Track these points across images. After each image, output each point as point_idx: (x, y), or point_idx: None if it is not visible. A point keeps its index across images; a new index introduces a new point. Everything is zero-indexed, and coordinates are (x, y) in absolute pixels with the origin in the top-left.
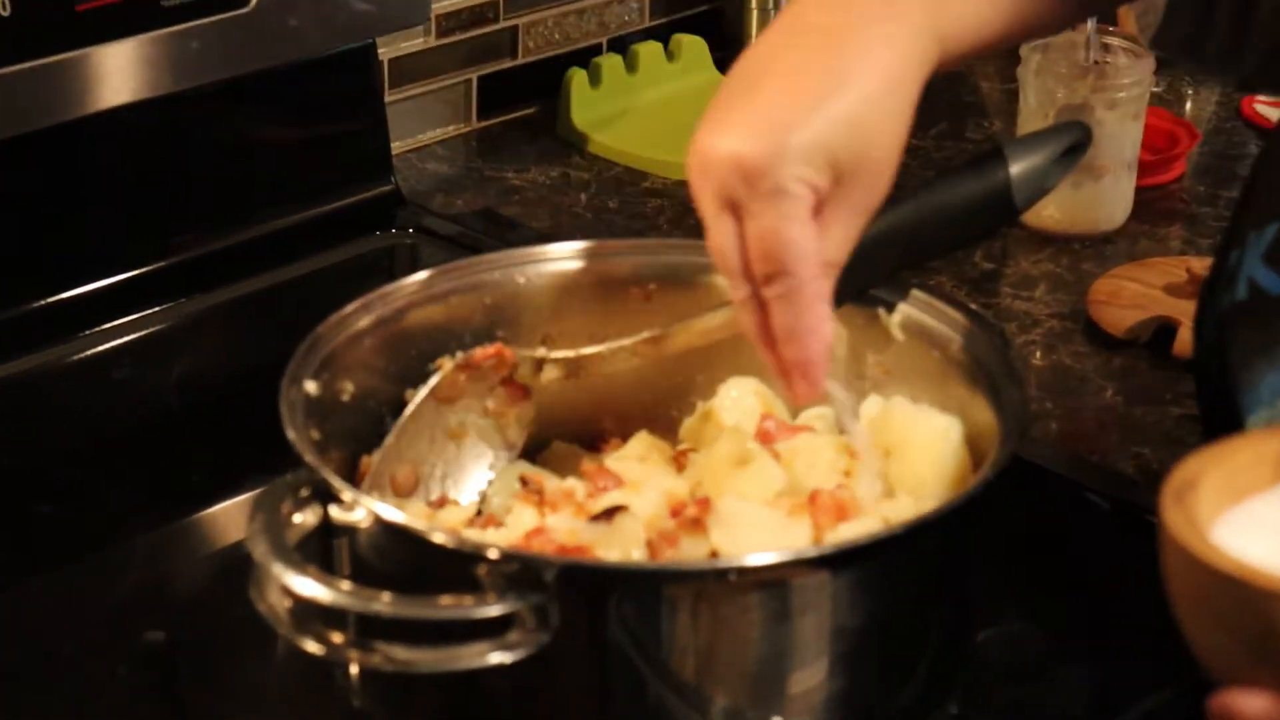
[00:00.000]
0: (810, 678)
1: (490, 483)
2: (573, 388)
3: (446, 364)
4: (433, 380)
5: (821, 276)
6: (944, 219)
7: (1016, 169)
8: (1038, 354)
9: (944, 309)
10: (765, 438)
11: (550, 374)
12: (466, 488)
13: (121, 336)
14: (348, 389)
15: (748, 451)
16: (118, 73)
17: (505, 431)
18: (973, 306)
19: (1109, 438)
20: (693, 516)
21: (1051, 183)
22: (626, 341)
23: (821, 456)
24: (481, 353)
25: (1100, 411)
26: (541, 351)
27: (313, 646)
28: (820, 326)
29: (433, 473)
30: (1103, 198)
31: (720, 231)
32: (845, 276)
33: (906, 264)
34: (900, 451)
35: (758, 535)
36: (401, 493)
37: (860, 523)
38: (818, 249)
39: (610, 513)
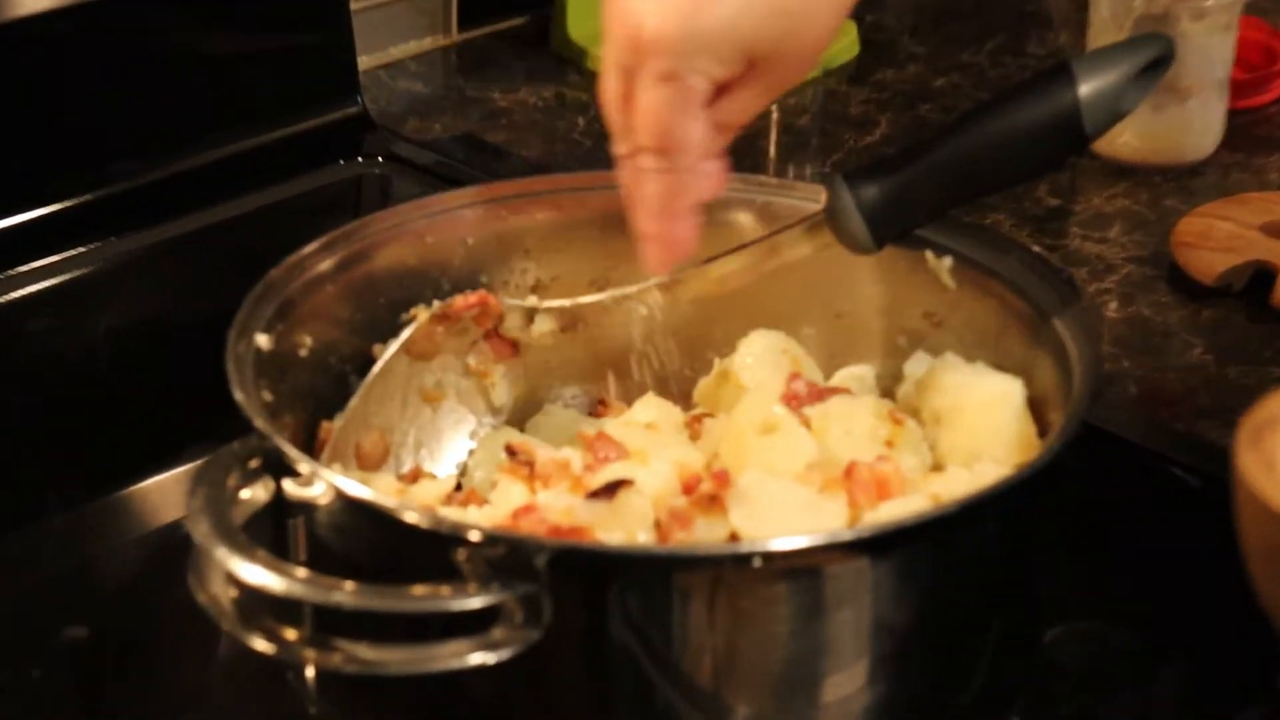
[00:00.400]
0: (847, 683)
1: (471, 453)
2: (569, 342)
3: (421, 314)
4: (405, 333)
5: (702, 165)
6: (1002, 148)
7: (1087, 89)
8: (1113, 304)
9: (1002, 252)
10: (794, 401)
11: (543, 326)
12: (444, 459)
13: (39, 281)
14: (305, 343)
15: (773, 417)
16: None
17: (489, 394)
18: (1036, 249)
19: (1197, 402)
20: (709, 493)
21: (1128, 105)
22: (631, 289)
23: (859, 423)
24: (462, 301)
25: (1187, 371)
26: (532, 300)
27: (262, 644)
28: (689, 211)
29: (405, 441)
30: (1189, 122)
31: (611, 88)
32: (888, 215)
33: (958, 200)
34: (951, 417)
35: (785, 515)
36: (368, 464)
37: (905, 501)
38: (704, 138)
39: (612, 488)
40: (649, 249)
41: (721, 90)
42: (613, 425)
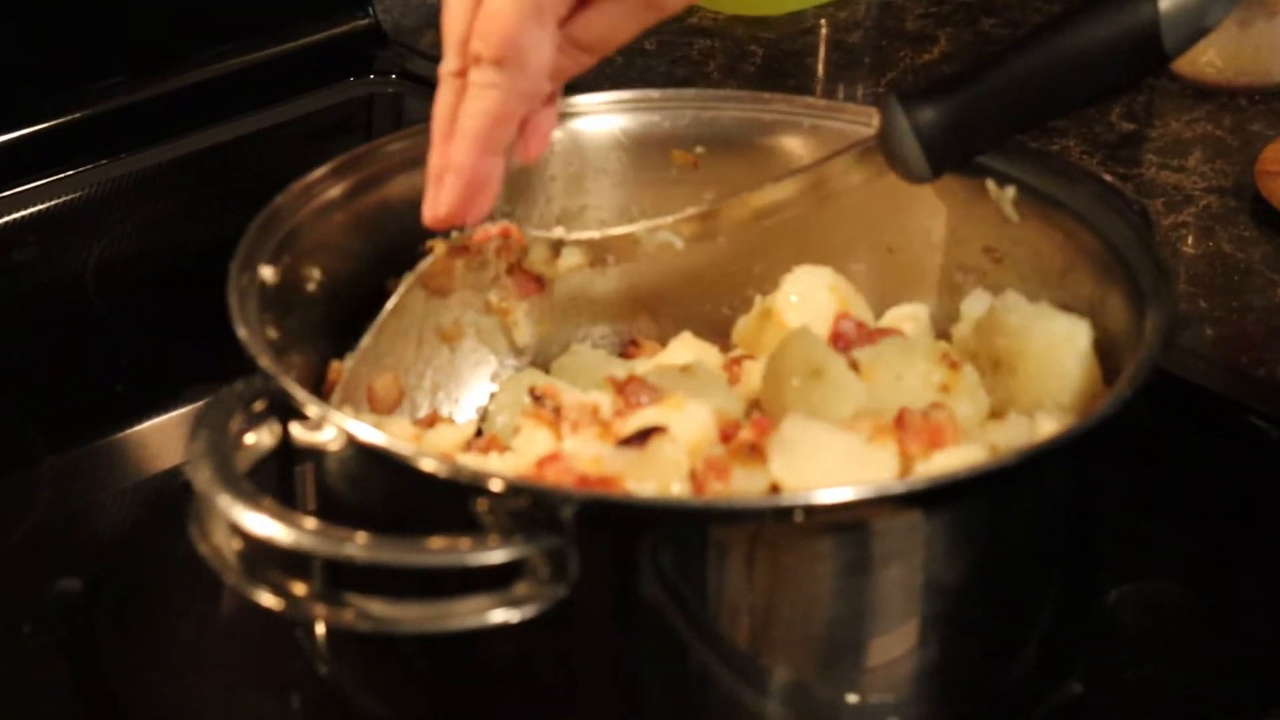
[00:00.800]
0: (894, 646)
1: (493, 397)
2: (598, 277)
3: (439, 246)
4: (421, 266)
5: (539, 92)
6: (1073, 66)
7: (1168, 2)
8: (1190, 239)
9: (1070, 181)
10: (841, 342)
11: (570, 260)
12: (463, 403)
13: (25, 207)
14: (314, 276)
15: (819, 359)
16: None
17: (512, 333)
18: (1107, 178)
19: None
20: (748, 441)
21: (1211, 20)
22: (666, 220)
23: (912, 367)
24: (483, 233)
25: (1269, 313)
26: (559, 232)
27: (268, 599)
28: (502, 148)
29: (421, 384)
30: (1278, 39)
31: None
32: (946, 140)
33: (1024, 123)
34: (1012, 361)
35: (830, 465)
36: (382, 407)
37: (960, 451)
38: (549, 57)
39: (644, 436)
40: (448, 184)
41: (586, 2)
42: (645, 367)
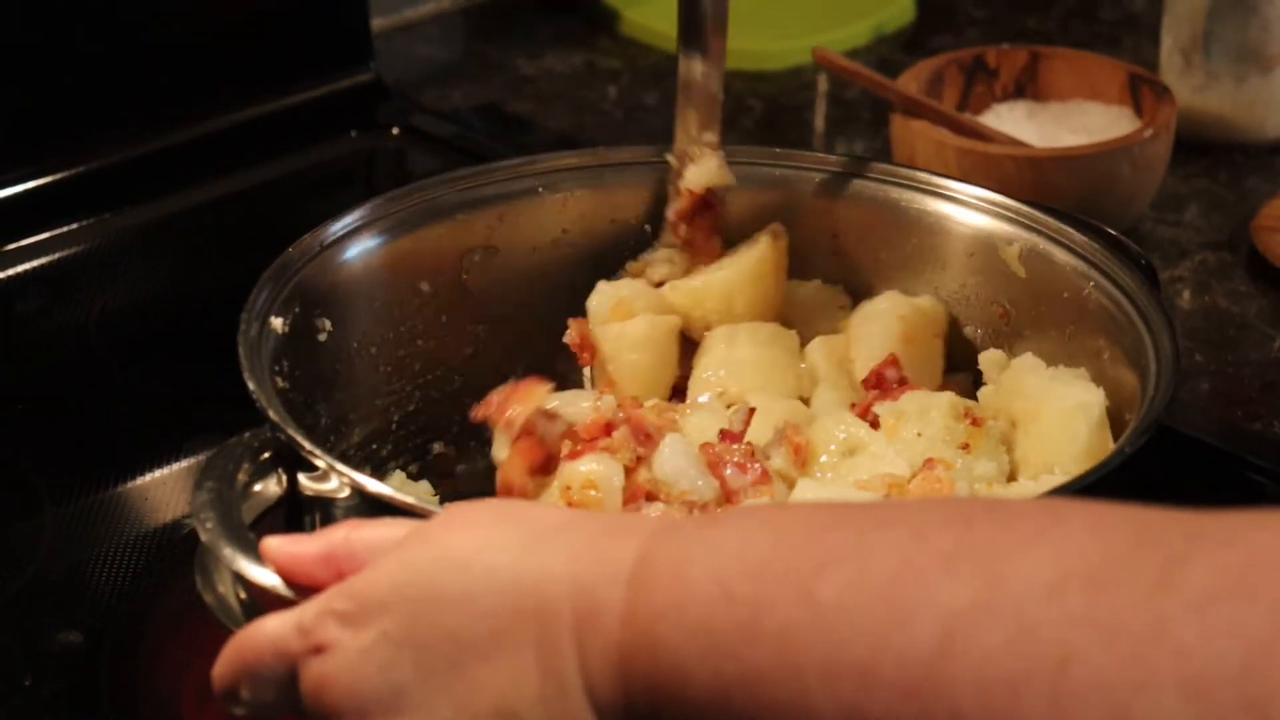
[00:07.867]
0: None
1: None
2: None
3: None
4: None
5: None
6: None
7: None
8: (1186, 294)
9: (1076, 236)
10: (882, 386)
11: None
12: None
13: (30, 259)
14: (324, 327)
15: (857, 437)
16: None
17: None
18: (1112, 231)
19: (1275, 401)
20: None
21: None
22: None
23: (932, 423)
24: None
25: (1265, 367)
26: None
27: None
28: None
29: None
30: (1273, 95)
31: None
32: None
33: None
34: (1028, 424)
35: None
36: None
37: None
38: None
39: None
40: None
41: None
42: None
